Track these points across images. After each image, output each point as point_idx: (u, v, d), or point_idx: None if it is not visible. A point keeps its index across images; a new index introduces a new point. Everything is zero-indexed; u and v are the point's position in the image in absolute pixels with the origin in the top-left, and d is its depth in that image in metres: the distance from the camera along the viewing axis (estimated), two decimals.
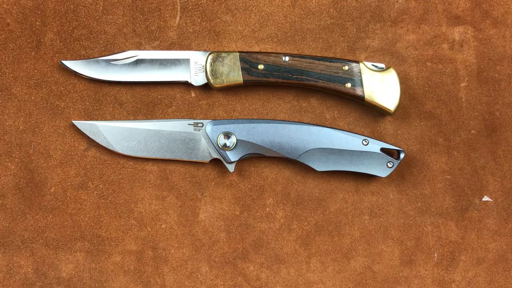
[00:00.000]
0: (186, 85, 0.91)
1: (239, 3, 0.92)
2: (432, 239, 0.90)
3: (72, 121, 0.89)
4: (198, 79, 0.89)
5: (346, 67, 0.87)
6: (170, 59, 0.89)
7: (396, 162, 0.87)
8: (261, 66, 0.88)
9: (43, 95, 0.90)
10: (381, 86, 0.87)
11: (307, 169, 0.89)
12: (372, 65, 0.88)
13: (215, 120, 0.89)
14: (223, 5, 0.92)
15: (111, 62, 0.89)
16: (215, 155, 0.88)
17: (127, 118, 0.90)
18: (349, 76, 0.87)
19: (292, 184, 0.90)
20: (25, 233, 0.90)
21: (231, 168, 0.88)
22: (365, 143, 0.87)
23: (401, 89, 0.88)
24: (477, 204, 0.91)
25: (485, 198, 0.91)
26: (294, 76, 0.87)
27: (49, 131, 0.90)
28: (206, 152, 0.88)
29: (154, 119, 0.90)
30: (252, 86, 0.91)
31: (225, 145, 0.87)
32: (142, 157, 0.90)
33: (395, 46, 0.92)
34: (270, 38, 0.92)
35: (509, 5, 0.93)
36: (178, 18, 0.92)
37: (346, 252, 0.90)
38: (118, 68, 0.89)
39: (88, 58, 0.90)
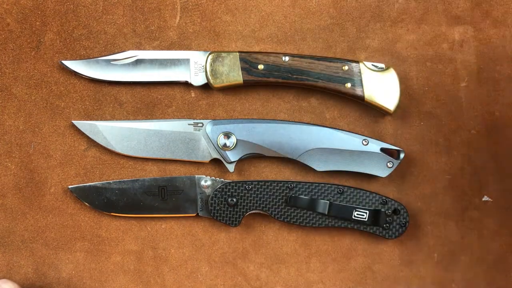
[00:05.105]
0: (186, 85, 0.91)
1: (239, 3, 0.92)
2: (432, 239, 0.90)
3: (72, 121, 0.89)
4: (198, 79, 0.89)
5: (346, 67, 0.87)
6: (170, 59, 0.89)
7: (396, 162, 0.87)
8: (261, 66, 0.88)
9: (43, 95, 0.90)
10: (381, 86, 0.87)
11: (307, 169, 0.89)
12: (372, 65, 0.88)
13: (215, 120, 0.89)
14: (223, 5, 0.92)
15: (111, 62, 0.89)
16: (215, 155, 0.88)
17: (127, 118, 0.90)
18: (349, 76, 0.87)
19: None
20: (25, 233, 0.90)
21: (231, 168, 0.88)
22: (365, 143, 0.87)
23: (401, 89, 0.88)
24: (477, 204, 0.91)
25: (485, 198, 0.91)
26: (294, 76, 0.88)
27: (49, 131, 0.90)
28: (206, 152, 0.88)
29: (154, 119, 0.90)
30: (252, 86, 0.91)
31: (225, 145, 0.87)
32: (142, 157, 0.90)
33: (395, 46, 0.92)
34: (270, 38, 0.92)
35: (509, 5, 0.93)
36: (178, 18, 0.92)
37: (346, 252, 0.90)
38: (118, 68, 0.89)
39: (88, 58, 0.90)
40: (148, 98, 0.91)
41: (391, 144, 0.88)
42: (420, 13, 0.92)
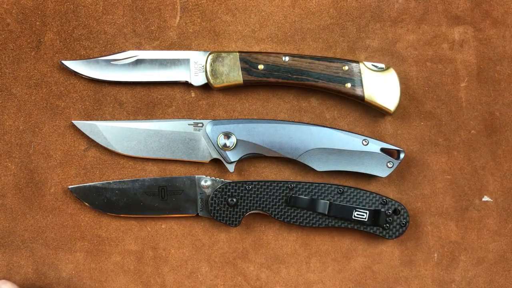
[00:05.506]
0: (186, 85, 0.91)
1: (239, 3, 0.92)
2: (432, 239, 0.90)
3: (72, 121, 0.89)
4: (198, 79, 0.89)
5: (346, 67, 0.87)
6: (170, 59, 0.89)
7: (396, 162, 0.87)
8: (261, 66, 0.88)
9: (43, 95, 0.90)
10: (381, 86, 0.87)
11: (307, 169, 0.89)
12: (372, 65, 0.88)
13: (215, 120, 0.89)
14: (223, 5, 0.92)
15: (111, 62, 0.89)
16: (215, 155, 0.88)
17: (127, 118, 0.90)
18: (349, 76, 0.87)
19: None
20: (25, 233, 0.90)
21: (231, 168, 0.88)
22: (365, 143, 0.87)
23: (401, 89, 0.88)
24: (477, 204, 0.91)
25: (485, 198, 0.91)
26: (294, 76, 0.87)
27: (49, 131, 0.90)
28: (206, 152, 0.88)
29: (154, 119, 0.90)
30: (252, 86, 0.91)
31: (225, 145, 0.87)
32: (142, 157, 0.90)
33: (395, 46, 0.92)
34: (270, 38, 0.92)
35: (509, 5, 0.93)
36: (178, 18, 0.92)
37: (346, 252, 0.90)
38: (118, 68, 0.89)
39: (88, 58, 0.90)
40: (148, 98, 0.91)
41: (391, 144, 0.88)
42: (420, 13, 0.92)
